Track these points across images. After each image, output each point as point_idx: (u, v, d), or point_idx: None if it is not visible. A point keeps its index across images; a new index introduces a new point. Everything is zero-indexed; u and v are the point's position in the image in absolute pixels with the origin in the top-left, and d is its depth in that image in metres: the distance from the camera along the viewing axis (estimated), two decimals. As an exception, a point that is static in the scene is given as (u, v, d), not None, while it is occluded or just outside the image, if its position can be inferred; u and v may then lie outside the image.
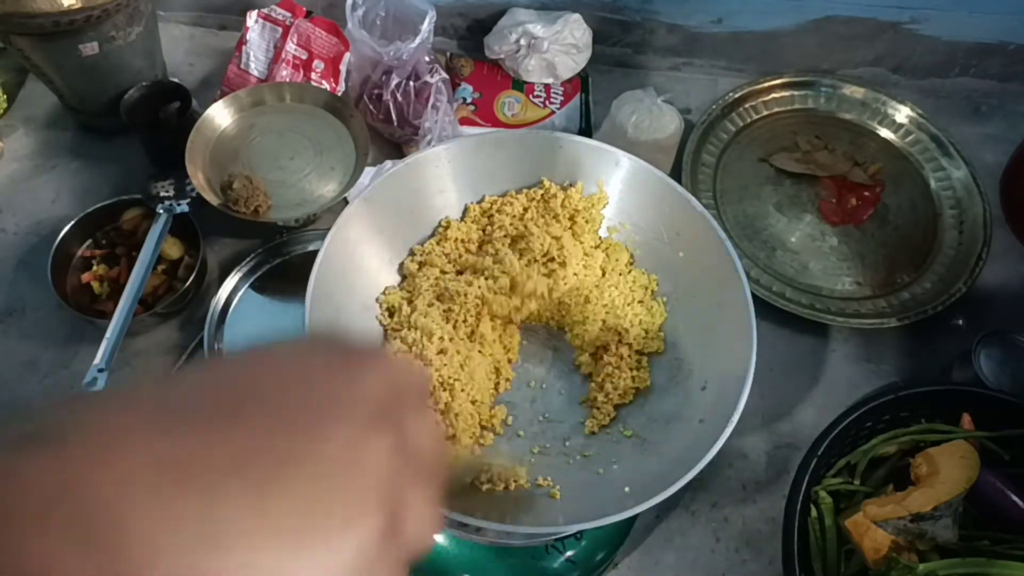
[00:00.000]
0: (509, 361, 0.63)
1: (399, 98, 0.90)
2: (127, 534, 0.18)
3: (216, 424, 0.21)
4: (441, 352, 0.59)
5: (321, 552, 0.20)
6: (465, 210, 0.68)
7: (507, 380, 0.62)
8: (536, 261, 0.64)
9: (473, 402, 0.58)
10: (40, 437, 0.20)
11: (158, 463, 0.19)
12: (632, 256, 0.67)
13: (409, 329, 0.61)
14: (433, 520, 0.25)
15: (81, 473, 0.19)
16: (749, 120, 1.01)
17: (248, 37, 0.94)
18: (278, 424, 0.21)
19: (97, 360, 0.73)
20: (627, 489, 0.53)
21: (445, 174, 0.66)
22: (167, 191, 0.86)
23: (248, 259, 0.86)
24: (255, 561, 0.19)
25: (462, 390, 0.58)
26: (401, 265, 0.65)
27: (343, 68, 0.94)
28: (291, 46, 0.93)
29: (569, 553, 0.64)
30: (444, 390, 0.58)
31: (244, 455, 0.20)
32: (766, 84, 1.02)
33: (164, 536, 0.18)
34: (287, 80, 0.93)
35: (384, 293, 0.63)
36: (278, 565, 0.20)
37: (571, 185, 0.66)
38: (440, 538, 0.64)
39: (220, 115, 0.88)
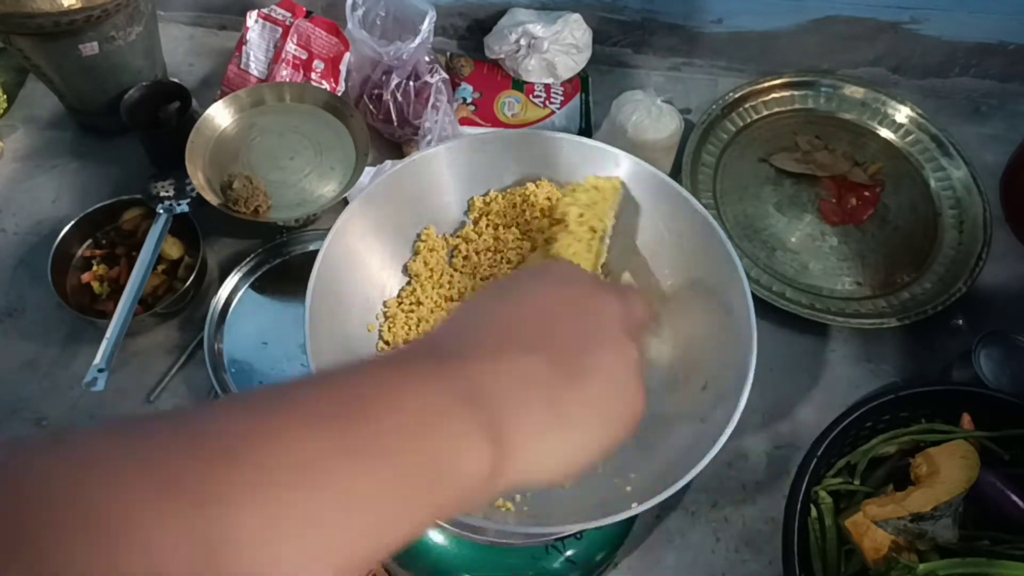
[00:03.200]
0: None
1: (399, 98, 0.90)
2: (505, 412, 0.29)
3: (534, 349, 0.31)
4: None
5: (616, 424, 0.33)
6: (469, 205, 0.68)
7: None
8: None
9: None
10: (445, 356, 0.30)
11: (519, 374, 0.30)
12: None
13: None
14: (644, 305, 0.38)
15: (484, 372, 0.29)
16: (749, 120, 1.01)
17: (248, 37, 0.94)
18: (568, 351, 0.32)
19: (97, 360, 0.73)
20: (628, 489, 0.53)
21: (445, 174, 0.66)
22: (167, 191, 0.86)
23: (248, 259, 0.86)
24: (583, 434, 0.31)
25: None
26: (405, 267, 0.65)
27: (343, 68, 0.94)
28: (291, 46, 0.93)
29: (569, 553, 0.64)
30: None
31: (558, 375, 0.31)
32: (766, 84, 1.02)
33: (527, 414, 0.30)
34: (287, 80, 0.93)
35: (385, 306, 0.64)
36: (594, 436, 0.32)
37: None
38: (440, 538, 0.64)
39: (220, 115, 0.88)
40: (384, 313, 0.63)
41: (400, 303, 0.64)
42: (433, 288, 0.64)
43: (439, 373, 0.28)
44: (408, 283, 0.65)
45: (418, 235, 0.66)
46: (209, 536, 0.20)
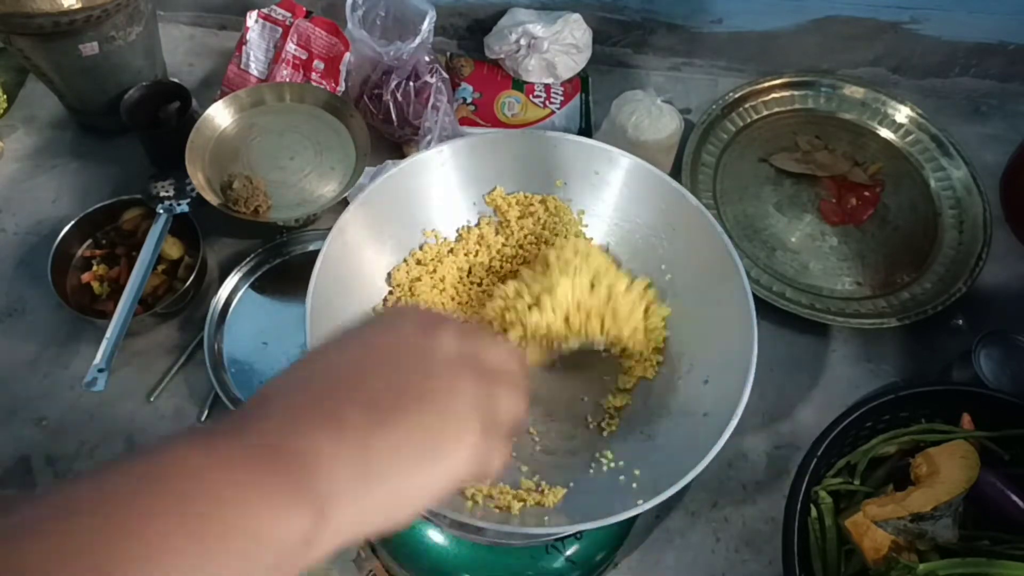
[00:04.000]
0: None
1: (399, 98, 0.90)
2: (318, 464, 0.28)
3: (354, 400, 0.30)
4: None
5: (444, 462, 0.31)
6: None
7: None
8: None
9: None
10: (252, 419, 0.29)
11: (331, 430, 0.29)
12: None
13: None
14: (519, 403, 0.35)
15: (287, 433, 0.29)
16: (749, 120, 1.01)
17: (248, 37, 0.94)
18: (382, 396, 0.31)
19: (97, 360, 0.73)
20: (634, 486, 0.53)
21: (445, 174, 0.66)
22: (167, 191, 0.86)
23: (248, 259, 0.86)
24: (404, 478, 0.30)
25: None
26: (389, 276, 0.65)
27: (343, 68, 0.94)
28: (291, 46, 0.93)
29: (569, 553, 0.64)
30: None
31: (378, 414, 0.30)
32: (766, 84, 1.02)
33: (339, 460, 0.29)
34: (287, 80, 0.93)
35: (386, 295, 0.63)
36: (417, 477, 0.31)
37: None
38: (440, 538, 0.64)
39: (220, 115, 0.88)
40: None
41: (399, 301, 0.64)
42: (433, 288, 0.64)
43: (242, 444, 0.28)
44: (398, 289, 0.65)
45: (418, 236, 0.66)
46: None
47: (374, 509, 0.30)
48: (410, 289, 0.64)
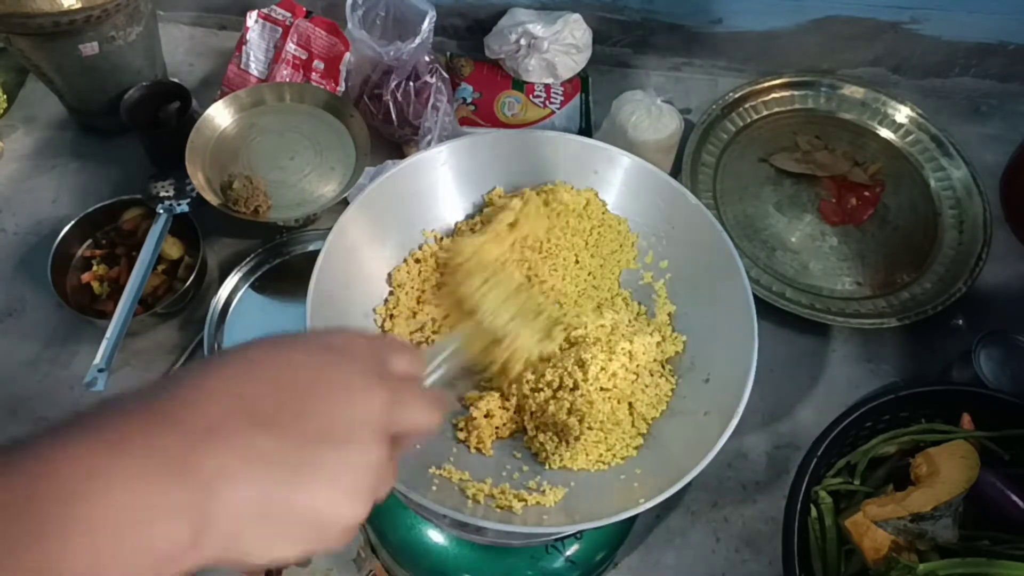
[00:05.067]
0: None
1: (399, 98, 0.90)
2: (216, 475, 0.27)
3: (238, 411, 0.29)
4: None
5: (332, 531, 0.30)
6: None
7: None
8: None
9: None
10: (160, 414, 0.28)
11: (240, 450, 0.28)
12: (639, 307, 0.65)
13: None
14: (425, 410, 0.34)
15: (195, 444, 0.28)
16: (749, 120, 1.01)
17: (248, 37, 0.94)
18: (304, 438, 0.29)
19: (97, 360, 0.73)
20: (635, 485, 0.53)
21: (445, 174, 0.66)
22: (167, 191, 0.86)
23: (248, 259, 0.86)
24: (292, 531, 0.29)
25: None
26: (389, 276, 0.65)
27: (343, 68, 0.94)
28: (291, 46, 0.93)
29: (569, 553, 0.64)
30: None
31: (283, 465, 0.29)
32: (766, 84, 1.02)
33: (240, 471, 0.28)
34: (287, 80, 0.93)
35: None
36: (307, 534, 0.29)
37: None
38: (440, 538, 0.64)
39: (220, 115, 0.88)
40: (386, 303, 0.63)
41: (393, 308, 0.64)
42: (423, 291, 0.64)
43: (151, 444, 0.27)
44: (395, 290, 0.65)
45: (418, 236, 0.66)
46: None
47: (250, 546, 0.28)
48: (409, 290, 0.64)
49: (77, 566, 0.24)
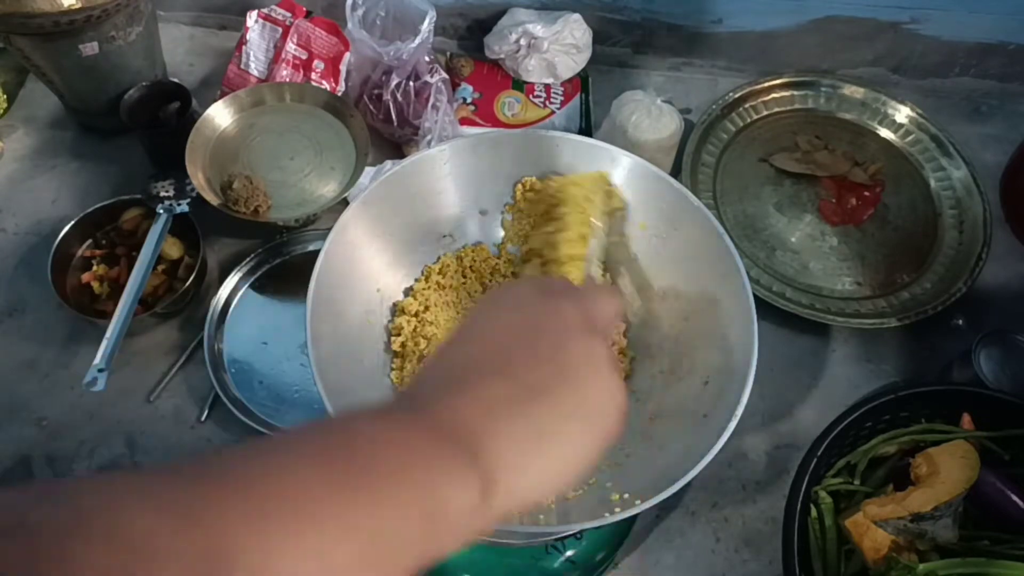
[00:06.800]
0: None
1: (399, 98, 0.90)
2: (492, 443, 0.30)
3: (497, 375, 0.32)
4: None
5: (599, 423, 0.33)
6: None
7: None
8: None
9: None
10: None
11: (485, 403, 0.31)
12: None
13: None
14: (610, 303, 0.39)
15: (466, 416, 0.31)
16: (749, 120, 1.01)
17: (248, 37, 0.94)
18: (527, 367, 0.32)
19: (97, 360, 0.73)
20: (631, 487, 0.53)
21: (445, 174, 0.66)
22: (167, 191, 0.86)
23: (248, 259, 0.86)
24: (568, 437, 0.32)
25: None
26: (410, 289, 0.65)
27: (343, 68, 0.94)
28: (291, 46, 0.93)
29: (569, 553, 0.64)
30: None
31: (524, 393, 0.31)
32: (766, 84, 1.02)
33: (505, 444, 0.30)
34: (287, 80, 0.93)
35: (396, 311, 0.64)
36: (575, 443, 0.32)
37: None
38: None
39: (220, 115, 0.88)
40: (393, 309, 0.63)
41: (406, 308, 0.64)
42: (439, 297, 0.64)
43: (415, 418, 0.30)
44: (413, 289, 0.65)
45: (418, 237, 0.66)
46: (213, 553, 0.22)
47: (536, 480, 0.31)
48: (413, 293, 0.64)
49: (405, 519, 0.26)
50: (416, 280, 0.66)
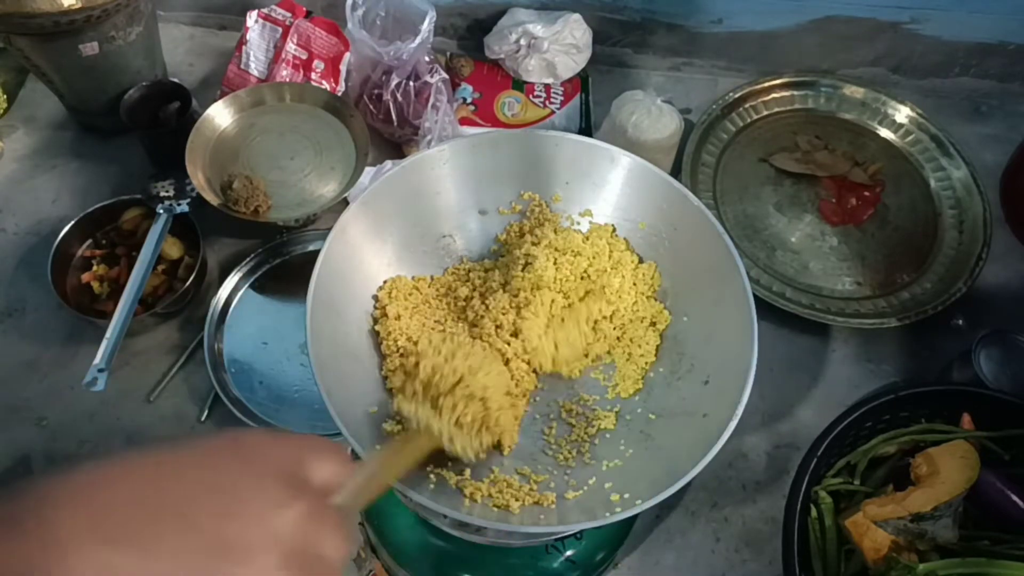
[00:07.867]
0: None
1: (399, 98, 0.90)
2: None
3: (144, 538, 0.26)
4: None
5: None
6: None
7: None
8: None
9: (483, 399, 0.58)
10: (8, 522, 0.25)
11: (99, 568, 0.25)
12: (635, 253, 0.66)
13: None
14: (339, 540, 0.29)
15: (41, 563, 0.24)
16: (749, 120, 1.01)
17: (248, 37, 0.94)
18: (196, 544, 0.26)
19: (97, 360, 0.73)
20: (631, 487, 0.53)
21: (445, 174, 0.66)
22: (167, 191, 0.86)
23: (248, 259, 0.86)
24: None
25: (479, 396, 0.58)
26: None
27: (343, 68, 0.94)
28: (291, 46, 0.93)
29: (569, 553, 0.64)
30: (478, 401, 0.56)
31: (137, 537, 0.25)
32: (766, 84, 1.02)
33: None
34: (287, 80, 0.93)
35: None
36: None
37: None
38: (441, 538, 0.63)
39: (220, 115, 0.88)
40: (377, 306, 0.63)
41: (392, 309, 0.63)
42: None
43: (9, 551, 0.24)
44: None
45: (418, 236, 0.66)
46: None
47: None
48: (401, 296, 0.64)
49: None
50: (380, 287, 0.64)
